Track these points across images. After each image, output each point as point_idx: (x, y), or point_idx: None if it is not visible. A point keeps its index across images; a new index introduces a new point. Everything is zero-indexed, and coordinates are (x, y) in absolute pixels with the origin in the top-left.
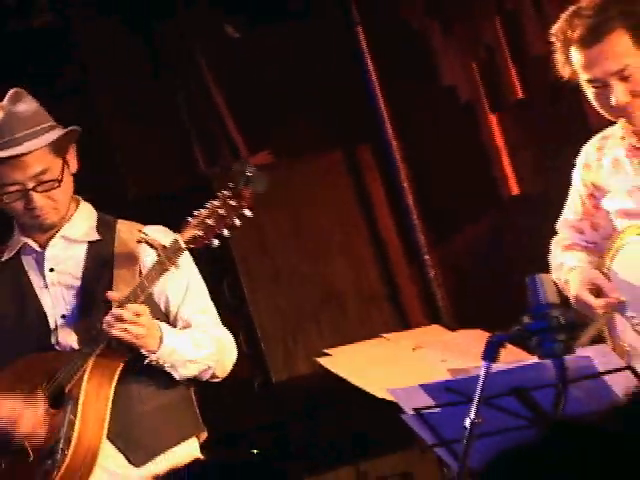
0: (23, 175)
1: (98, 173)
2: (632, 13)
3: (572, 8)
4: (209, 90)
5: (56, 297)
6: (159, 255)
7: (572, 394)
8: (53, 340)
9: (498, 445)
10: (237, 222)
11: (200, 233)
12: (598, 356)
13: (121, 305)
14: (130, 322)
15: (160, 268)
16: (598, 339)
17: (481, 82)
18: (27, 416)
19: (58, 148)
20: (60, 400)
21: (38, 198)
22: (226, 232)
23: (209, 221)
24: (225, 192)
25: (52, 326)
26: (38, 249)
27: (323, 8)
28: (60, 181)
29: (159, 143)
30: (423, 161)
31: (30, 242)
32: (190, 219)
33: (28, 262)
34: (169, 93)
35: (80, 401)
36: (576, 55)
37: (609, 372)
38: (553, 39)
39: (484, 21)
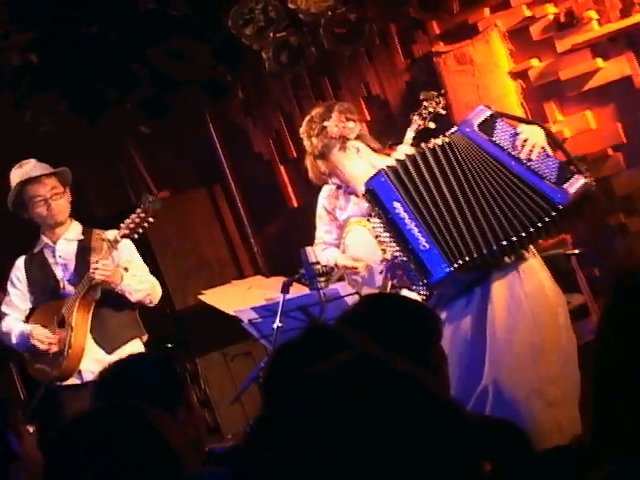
0: (44, 190)
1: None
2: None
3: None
4: (134, 159)
5: (62, 270)
6: (108, 244)
7: (329, 308)
8: (62, 292)
9: (291, 337)
10: (146, 225)
11: (127, 231)
12: (341, 288)
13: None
14: (102, 268)
15: (109, 250)
16: (341, 279)
17: (274, 149)
18: (49, 334)
19: (60, 180)
20: (63, 323)
21: (53, 204)
22: (141, 230)
23: (131, 225)
24: (138, 210)
25: (61, 285)
26: (52, 244)
27: (189, 110)
28: (62, 195)
29: (108, 190)
30: (248, 192)
31: (48, 241)
32: (122, 224)
33: (47, 252)
34: (113, 164)
35: (73, 324)
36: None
37: (347, 295)
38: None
39: (276, 116)
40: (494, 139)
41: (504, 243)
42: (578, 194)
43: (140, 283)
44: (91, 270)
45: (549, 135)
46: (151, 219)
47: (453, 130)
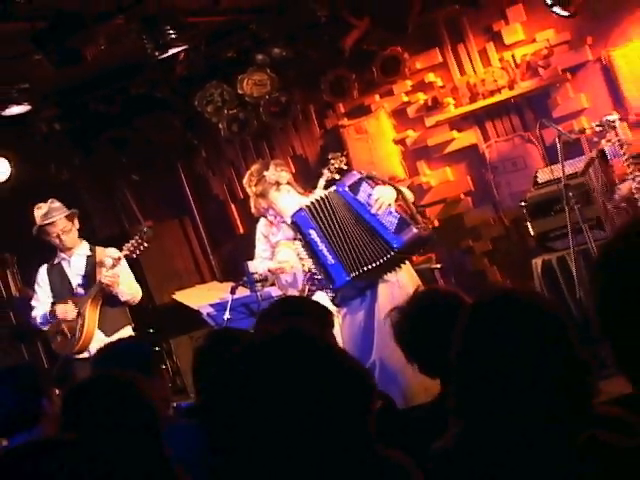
0: (56, 229)
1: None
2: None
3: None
4: (127, 197)
5: (75, 277)
6: (113, 261)
7: (264, 305)
8: (75, 292)
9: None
10: (142, 248)
11: (128, 253)
12: (272, 290)
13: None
14: (111, 277)
15: (114, 265)
16: (273, 284)
17: (227, 192)
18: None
19: (69, 218)
20: (77, 315)
21: (63, 237)
22: (138, 252)
23: (131, 248)
24: (136, 237)
25: (74, 287)
26: (68, 258)
27: (167, 163)
28: (70, 231)
29: (108, 218)
30: (208, 222)
31: (65, 256)
32: (123, 247)
33: (64, 264)
34: (112, 200)
35: (86, 315)
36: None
37: (277, 296)
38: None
39: (229, 169)
40: (357, 197)
41: (370, 267)
42: (411, 239)
43: (128, 289)
44: (103, 276)
45: (401, 194)
46: (146, 244)
47: (333, 189)
